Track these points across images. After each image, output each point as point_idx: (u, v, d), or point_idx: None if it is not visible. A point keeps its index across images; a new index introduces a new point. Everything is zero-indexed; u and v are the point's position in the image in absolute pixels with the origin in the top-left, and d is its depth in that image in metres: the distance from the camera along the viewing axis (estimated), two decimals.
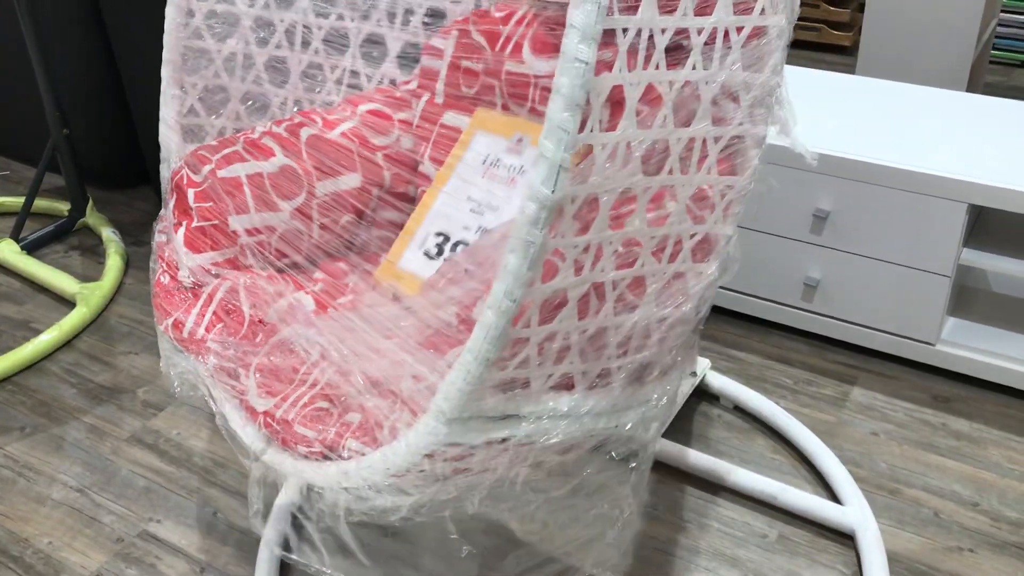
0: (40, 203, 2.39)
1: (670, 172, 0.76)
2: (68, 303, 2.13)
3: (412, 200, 1.22)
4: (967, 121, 1.68)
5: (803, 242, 1.68)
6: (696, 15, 0.74)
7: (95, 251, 2.31)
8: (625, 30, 0.69)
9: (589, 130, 0.67)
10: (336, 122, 1.20)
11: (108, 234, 2.30)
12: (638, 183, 0.74)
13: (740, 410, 1.67)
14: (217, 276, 1.08)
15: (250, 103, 1.19)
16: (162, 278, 1.10)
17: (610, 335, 0.76)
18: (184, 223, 1.12)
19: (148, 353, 1.98)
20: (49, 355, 1.98)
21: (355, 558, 1.01)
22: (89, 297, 2.09)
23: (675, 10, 0.73)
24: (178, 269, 1.10)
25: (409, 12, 1.21)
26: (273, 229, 1.14)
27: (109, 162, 2.47)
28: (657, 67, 0.73)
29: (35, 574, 1.47)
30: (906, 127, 1.66)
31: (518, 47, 1.10)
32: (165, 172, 1.19)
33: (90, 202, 2.35)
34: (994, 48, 3.05)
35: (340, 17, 1.20)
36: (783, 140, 0.99)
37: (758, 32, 0.77)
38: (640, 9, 0.70)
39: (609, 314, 0.76)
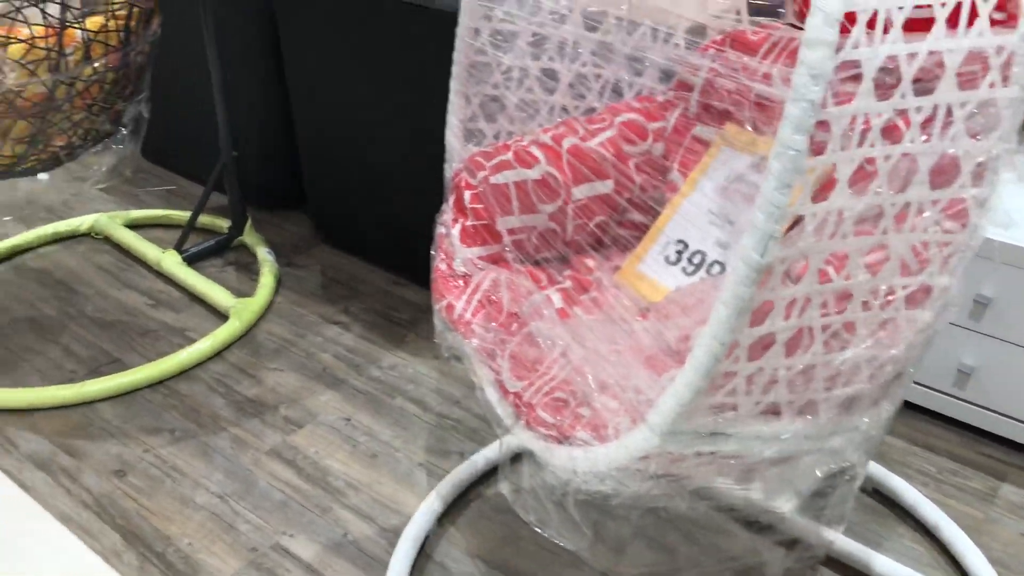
0: (203, 219, 2.59)
1: (884, 232, 0.83)
2: (222, 315, 2.29)
3: (659, 206, 1.35)
4: None
5: (961, 327, 1.71)
6: (916, 94, 0.82)
7: (250, 268, 2.49)
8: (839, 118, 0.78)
9: (800, 203, 0.77)
10: (596, 131, 1.37)
11: (263, 253, 2.47)
12: (851, 244, 0.82)
13: (880, 494, 1.69)
14: (483, 269, 1.23)
15: (523, 110, 1.36)
16: (440, 265, 1.27)
17: (818, 371, 0.84)
18: (460, 220, 1.29)
19: (292, 371, 2.12)
20: (201, 364, 2.14)
21: (573, 525, 1.13)
22: (242, 311, 2.25)
23: (892, 95, 0.80)
24: (453, 259, 1.26)
25: (671, 29, 1.36)
26: (533, 229, 1.30)
27: (269, 185, 2.67)
28: (872, 145, 0.81)
29: (175, 572, 1.58)
30: None
31: (768, 72, 1.22)
32: (448, 172, 1.37)
33: (248, 221, 2.54)
34: None
35: (607, 32, 1.36)
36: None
37: (986, 104, 0.84)
38: (856, 98, 0.78)
39: (818, 353, 0.83)
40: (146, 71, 2.07)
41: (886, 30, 0.79)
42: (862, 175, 0.81)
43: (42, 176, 2.08)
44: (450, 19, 1.91)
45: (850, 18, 0.76)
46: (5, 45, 1.72)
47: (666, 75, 1.45)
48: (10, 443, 1.90)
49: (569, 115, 1.43)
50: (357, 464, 1.83)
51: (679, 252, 1.25)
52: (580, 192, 1.36)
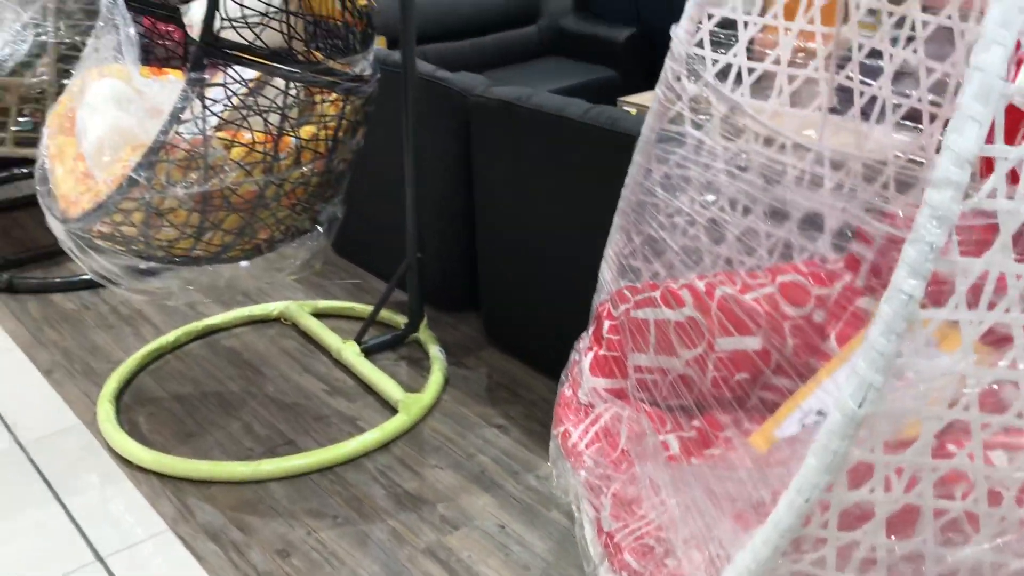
0: (382, 313, 2.74)
1: (1020, 415, 0.76)
2: (391, 408, 2.40)
3: (809, 372, 1.31)
4: None
5: None
6: None
7: (421, 364, 2.60)
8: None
9: (908, 356, 0.71)
10: (753, 286, 1.34)
11: (435, 352, 2.58)
12: (973, 419, 0.75)
13: None
14: (607, 402, 1.24)
15: (685, 256, 1.36)
16: (566, 391, 1.29)
17: (928, 565, 0.78)
18: (594, 349, 1.30)
19: (452, 469, 2.18)
20: (368, 454, 2.23)
21: None
22: (411, 406, 2.34)
23: None
24: (579, 387, 1.27)
25: (853, 190, 1.33)
26: (666, 371, 1.29)
27: (447, 286, 2.79)
28: (1008, 310, 0.74)
29: None
30: None
31: None
32: (595, 301, 1.40)
33: (424, 320, 2.66)
34: None
35: (787, 189, 1.35)
36: None
37: None
38: (988, 252, 0.73)
39: (929, 541, 0.77)
40: (346, 176, 2.25)
41: None
42: (993, 337, 0.76)
43: (243, 263, 2.27)
44: (634, 143, 1.98)
45: (988, 164, 0.72)
46: (230, 147, 1.93)
47: (840, 246, 1.41)
48: (188, 511, 2.05)
49: (732, 268, 1.40)
50: (509, 573, 1.84)
51: (817, 423, 1.17)
52: (725, 344, 1.32)
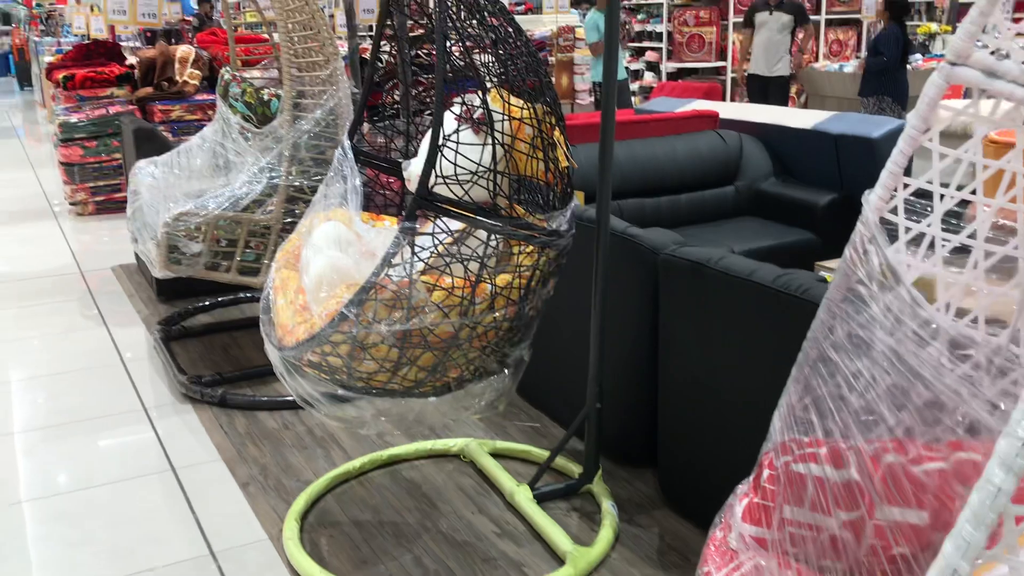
0: (557, 460, 2.78)
1: None
2: (558, 559, 2.41)
3: None
4: None
5: None
6: None
7: (592, 517, 2.61)
8: None
9: (999, 550, 0.69)
10: (926, 459, 1.30)
11: (607, 506, 2.59)
12: None
13: None
14: (752, 551, 1.23)
15: (862, 417, 1.34)
16: (716, 533, 1.29)
17: None
18: (750, 496, 1.31)
19: None
20: None
21: None
22: (578, 560, 2.35)
23: None
24: (729, 531, 1.28)
25: None
26: (819, 530, 1.27)
27: (624, 440, 2.82)
28: None
29: None
30: None
31: None
32: (763, 448, 1.41)
33: (599, 472, 2.69)
34: None
35: (978, 366, 1.31)
36: None
37: None
38: None
39: None
40: (535, 322, 2.37)
41: None
42: None
43: (432, 399, 2.41)
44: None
45: None
46: (432, 290, 2.09)
47: None
48: None
49: (911, 437, 1.35)
50: None
51: None
52: (885, 513, 1.27)
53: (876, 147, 4.14)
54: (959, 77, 1.30)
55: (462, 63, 2.19)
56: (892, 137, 4.12)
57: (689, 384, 2.50)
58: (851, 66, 8.99)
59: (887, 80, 7.11)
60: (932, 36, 11.55)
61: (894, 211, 1.59)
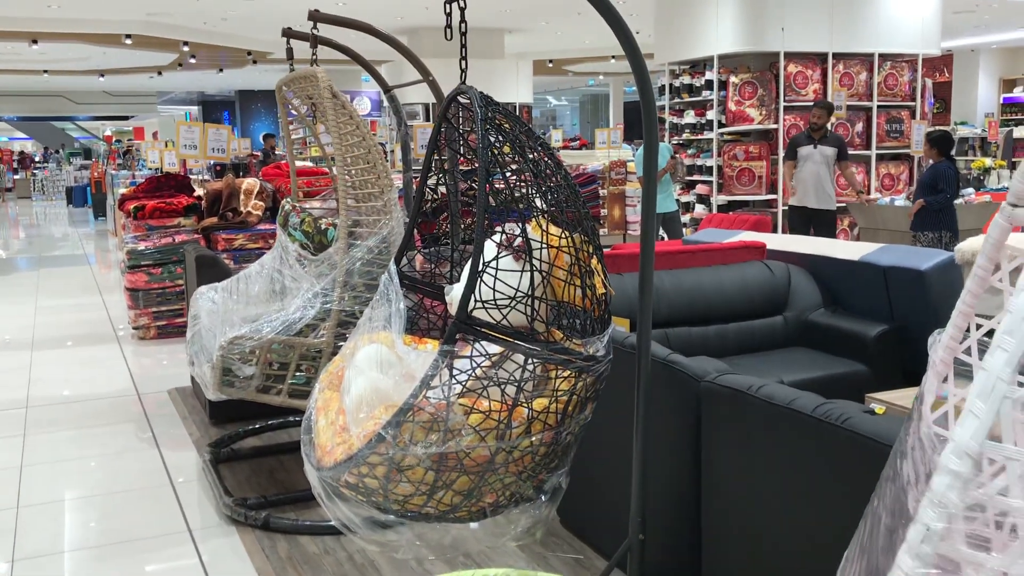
0: None
1: None
2: None
3: None
4: None
5: None
6: None
7: None
8: None
9: None
10: None
11: None
12: None
13: None
14: None
15: None
16: None
17: None
18: None
19: None
20: None
21: None
22: None
23: None
24: None
25: None
26: None
27: (669, 572, 2.74)
28: None
29: None
30: None
31: None
32: None
33: None
34: None
35: None
36: None
37: None
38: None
39: None
40: (572, 448, 2.36)
41: None
42: None
43: (473, 525, 2.39)
44: (870, 449, 1.95)
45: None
46: (468, 413, 2.11)
47: None
48: None
49: None
50: None
51: None
52: None
53: (926, 279, 4.11)
54: (1021, 218, 1.31)
55: (505, 195, 2.28)
56: (941, 269, 4.10)
57: (732, 515, 2.45)
58: (902, 199, 9.04)
59: (946, 216, 7.18)
60: (987, 171, 11.58)
61: (968, 352, 1.54)
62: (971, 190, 9.26)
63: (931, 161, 7.46)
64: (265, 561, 3.16)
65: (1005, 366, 0.77)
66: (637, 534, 2.55)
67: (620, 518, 2.66)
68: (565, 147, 17.98)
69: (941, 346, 1.51)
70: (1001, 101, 19.01)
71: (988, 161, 11.97)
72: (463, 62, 2.42)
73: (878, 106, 10.10)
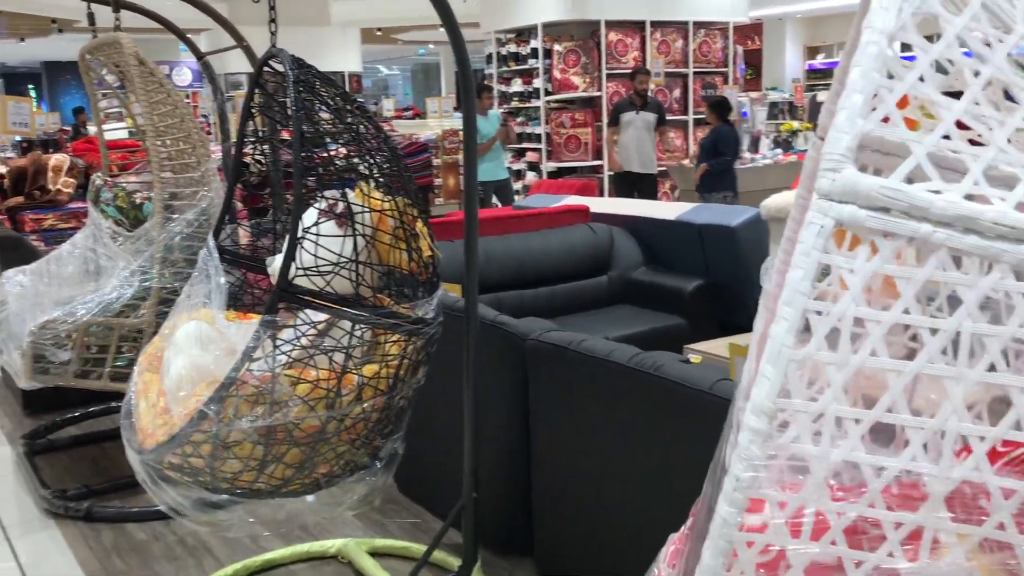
0: (436, 555, 2.74)
1: None
2: None
3: None
4: None
5: None
6: None
7: None
8: None
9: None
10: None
11: None
12: None
13: None
14: None
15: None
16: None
17: None
18: (676, 544, 1.31)
19: None
20: None
21: None
22: None
23: None
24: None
25: None
26: None
27: (503, 528, 2.80)
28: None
29: None
30: None
31: None
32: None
33: (478, 563, 2.65)
34: None
35: None
36: None
37: None
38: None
39: None
40: (406, 413, 2.36)
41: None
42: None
43: (309, 498, 2.35)
44: (682, 394, 2.05)
45: None
46: (296, 384, 2.07)
47: None
48: None
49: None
50: None
51: None
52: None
53: (736, 235, 4.35)
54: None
55: (323, 160, 2.23)
56: (750, 225, 4.34)
57: (560, 467, 2.53)
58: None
59: (727, 177, 7.59)
60: (795, 133, 12.30)
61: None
62: (779, 151, 9.82)
63: (712, 126, 7.84)
64: (89, 553, 3.01)
65: (787, 334, 0.85)
66: (471, 493, 2.59)
67: (455, 479, 2.69)
68: (398, 117, 17.80)
69: (774, 271, 1.60)
70: (806, 67, 20.20)
71: (796, 124, 12.71)
72: (272, 24, 2.35)
73: (694, 72, 10.52)
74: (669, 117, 9.33)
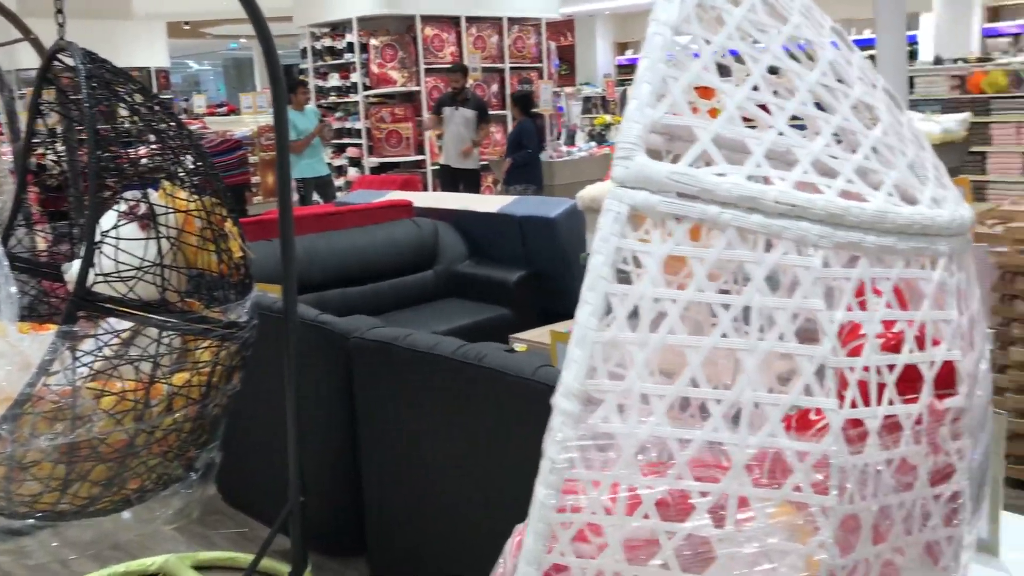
0: (265, 563, 2.65)
1: None
2: None
3: None
4: None
5: None
6: None
7: None
8: None
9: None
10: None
11: None
12: None
13: None
14: None
15: None
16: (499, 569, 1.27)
17: None
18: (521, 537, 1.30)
19: None
20: None
21: None
22: None
23: None
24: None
25: None
26: None
27: (334, 530, 2.74)
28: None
29: None
30: None
31: None
32: None
33: (308, 567, 2.58)
34: None
35: None
36: None
37: None
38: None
39: None
40: (221, 421, 2.27)
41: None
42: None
43: (125, 514, 2.22)
44: (506, 382, 2.07)
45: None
46: (100, 397, 1.94)
47: None
48: None
49: None
50: None
51: None
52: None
53: (555, 225, 4.44)
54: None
55: (122, 159, 2.10)
56: (567, 215, 4.45)
57: (389, 464, 2.50)
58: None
59: (531, 170, 7.74)
60: (607, 126, 12.71)
61: None
62: (593, 144, 10.12)
63: (516, 120, 8.01)
64: None
65: (591, 316, 0.86)
66: (297, 498, 2.51)
67: (282, 485, 2.61)
68: (210, 113, 17.08)
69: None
70: (616, 63, 20.90)
71: (608, 118, 13.13)
72: (60, 15, 2.19)
73: (510, 68, 10.66)
74: (491, 112, 9.42)
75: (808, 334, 0.95)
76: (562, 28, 13.04)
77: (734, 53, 0.94)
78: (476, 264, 4.81)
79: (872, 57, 10.55)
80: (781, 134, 0.89)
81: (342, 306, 4.30)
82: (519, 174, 7.69)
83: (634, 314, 0.89)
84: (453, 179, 8.50)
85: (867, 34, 14.03)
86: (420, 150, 9.95)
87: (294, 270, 2.49)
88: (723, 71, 0.94)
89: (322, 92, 10.62)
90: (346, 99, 10.34)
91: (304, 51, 10.75)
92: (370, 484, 2.60)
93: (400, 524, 2.52)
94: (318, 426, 2.65)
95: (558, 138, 9.48)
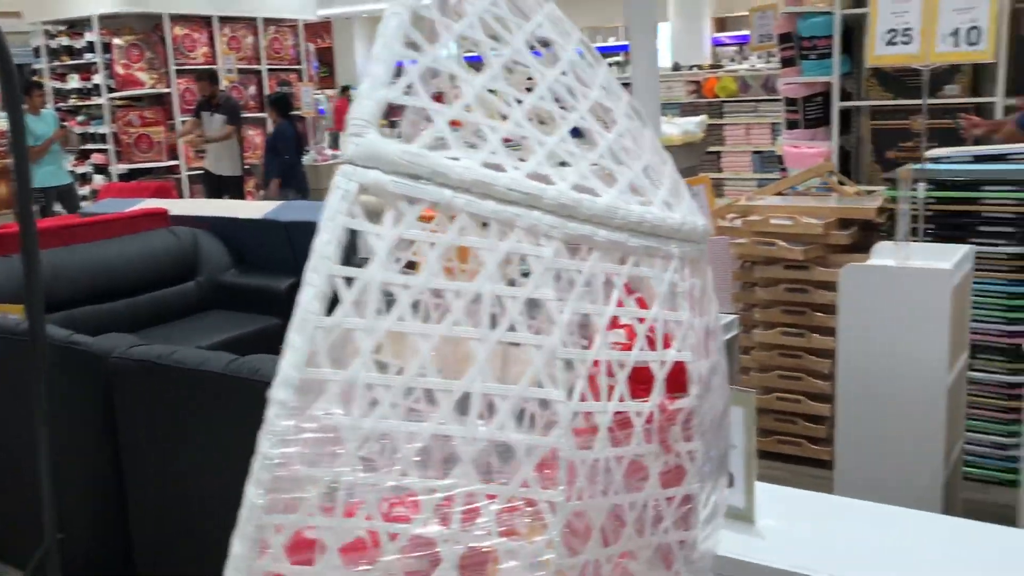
0: None
1: None
2: None
3: None
4: (941, 551, 1.66)
5: None
6: None
7: None
8: None
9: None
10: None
11: None
12: None
13: None
14: None
15: None
16: None
17: None
18: None
19: None
20: None
21: None
22: None
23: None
24: None
25: None
26: None
27: (98, 562, 2.54)
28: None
29: None
30: (879, 553, 1.65)
31: None
32: None
33: None
34: (967, 465, 3.26)
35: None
36: None
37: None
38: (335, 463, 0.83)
39: None
40: None
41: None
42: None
43: None
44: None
45: None
46: None
47: None
48: None
49: None
50: None
51: None
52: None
53: None
54: None
55: None
56: None
57: (158, 489, 2.35)
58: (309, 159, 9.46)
59: (292, 175, 7.39)
60: None
61: None
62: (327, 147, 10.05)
63: (275, 122, 7.70)
64: None
65: (313, 300, 0.80)
66: (53, 534, 2.31)
67: (39, 522, 2.38)
68: None
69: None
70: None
71: None
72: None
73: (268, 69, 10.35)
74: (246, 115, 9.09)
75: (585, 331, 0.96)
76: (320, 30, 12.84)
77: (477, 58, 0.93)
78: (242, 273, 4.62)
79: (619, 64, 11.19)
80: (519, 125, 0.88)
81: (95, 324, 3.98)
82: (282, 179, 7.45)
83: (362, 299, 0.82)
84: (216, 186, 8.14)
85: (612, 41, 14.86)
86: (174, 155, 9.43)
87: (40, 287, 2.28)
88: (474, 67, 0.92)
89: (60, 95, 9.80)
90: (88, 102, 9.60)
91: (37, 50, 9.87)
92: (137, 510, 2.43)
93: (172, 548, 2.37)
94: (77, 456, 2.45)
95: (322, 142, 9.32)
